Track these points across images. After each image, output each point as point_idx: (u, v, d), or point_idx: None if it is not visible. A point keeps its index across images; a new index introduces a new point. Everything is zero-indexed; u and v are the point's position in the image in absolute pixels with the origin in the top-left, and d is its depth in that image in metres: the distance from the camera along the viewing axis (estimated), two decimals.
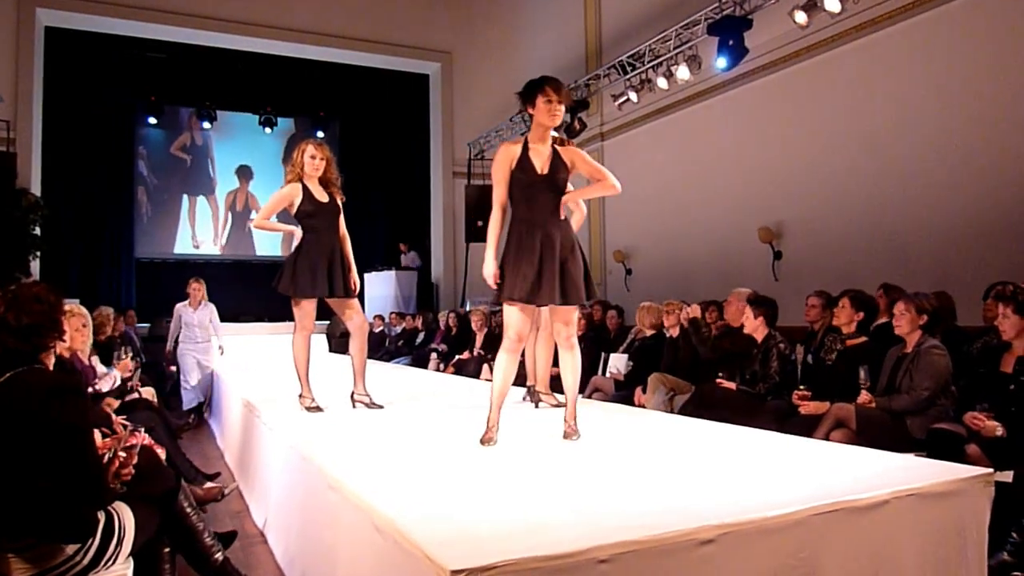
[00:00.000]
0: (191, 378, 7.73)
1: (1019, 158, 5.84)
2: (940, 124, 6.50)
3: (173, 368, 9.22)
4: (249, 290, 13.93)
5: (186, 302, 7.85)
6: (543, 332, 4.34)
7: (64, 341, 2.30)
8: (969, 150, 6.26)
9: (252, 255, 15.56)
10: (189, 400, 7.76)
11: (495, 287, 3.27)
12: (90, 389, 4.54)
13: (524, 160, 3.31)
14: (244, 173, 15.50)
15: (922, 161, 6.61)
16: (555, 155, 3.36)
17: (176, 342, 7.96)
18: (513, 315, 3.27)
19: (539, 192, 3.31)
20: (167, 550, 2.64)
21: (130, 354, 5.47)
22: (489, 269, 3.25)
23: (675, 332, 5.80)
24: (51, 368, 2.33)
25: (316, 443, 3.35)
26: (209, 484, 4.26)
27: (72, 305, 5.01)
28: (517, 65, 13.17)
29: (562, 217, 3.39)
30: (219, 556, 2.78)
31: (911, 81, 6.74)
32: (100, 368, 5.27)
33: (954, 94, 6.39)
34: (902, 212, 6.75)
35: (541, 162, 3.32)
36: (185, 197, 15.18)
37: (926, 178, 6.57)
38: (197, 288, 7.82)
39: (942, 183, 6.45)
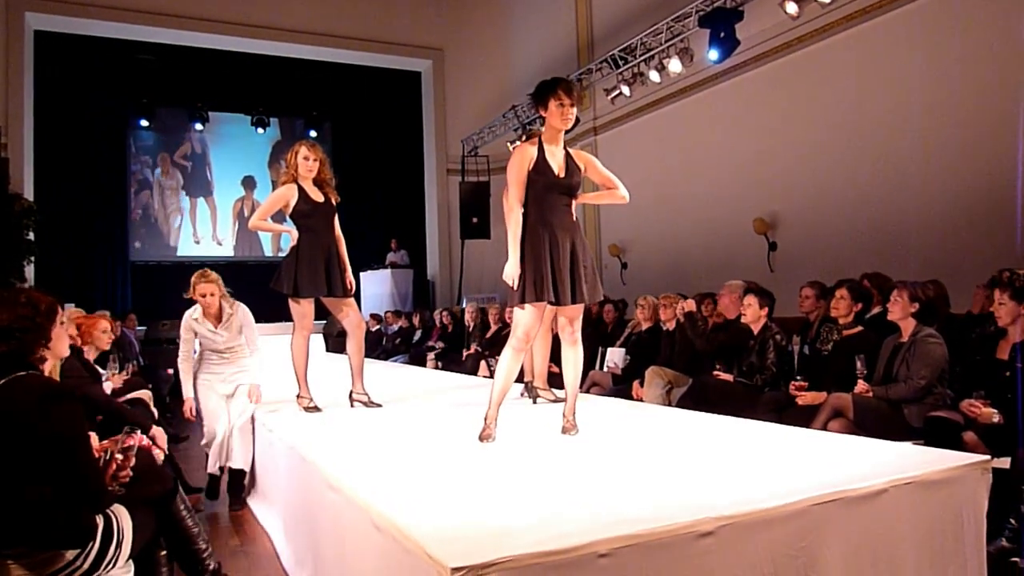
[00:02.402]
0: (216, 425, 4.43)
1: (1012, 146, 5.85)
2: (932, 112, 6.50)
3: (170, 371, 9.17)
4: (245, 291, 13.91)
5: (197, 311, 4.47)
6: (541, 327, 4.35)
7: (49, 348, 2.29)
8: (962, 138, 6.27)
9: (260, 256, 15.64)
10: (214, 463, 4.46)
11: (515, 288, 3.28)
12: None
13: (541, 162, 3.32)
14: (248, 183, 15.91)
15: (915, 150, 6.62)
16: (569, 158, 3.39)
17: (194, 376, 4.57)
18: (525, 315, 3.29)
19: (554, 194, 3.34)
20: (164, 553, 2.63)
21: (116, 366, 5.46)
22: (515, 270, 3.26)
23: (672, 325, 5.81)
24: (47, 374, 2.32)
25: (315, 443, 3.35)
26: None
27: (73, 311, 5.01)
28: (509, 60, 13.16)
29: (574, 219, 3.42)
30: (212, 564, 2.78)
31: (903, 70, 6.75)
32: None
33: (946, 82, 6.40)
34: (896, 201, 6.77)
35: (557, 164, 3.34)
36: (187, 199, 15.51)
37: (919, 167, 6.59)
38: (208, 288, 4.37)
39: (935, 172, 6.46)
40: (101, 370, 5.37)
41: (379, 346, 10.87)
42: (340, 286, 4.35)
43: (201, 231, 15.47)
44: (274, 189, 4.53)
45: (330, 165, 4.52)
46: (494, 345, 7.63)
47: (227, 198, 15.74)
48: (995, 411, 3.37)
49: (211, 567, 2.77)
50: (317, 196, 4.36)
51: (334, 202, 4.45)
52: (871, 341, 4.31)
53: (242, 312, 4.59)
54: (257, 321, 4.68)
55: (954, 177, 6.32)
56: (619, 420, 3.89)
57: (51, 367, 2.40)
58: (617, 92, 9.48)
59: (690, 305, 5.47)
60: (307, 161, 4.32)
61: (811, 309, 5.05)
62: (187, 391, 4.47)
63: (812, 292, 5.05)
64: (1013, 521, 2.98)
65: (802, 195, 7.75)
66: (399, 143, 15.09)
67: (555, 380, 4.38)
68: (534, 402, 4.53)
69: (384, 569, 2.10)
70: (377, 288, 12.99)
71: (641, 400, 5.31)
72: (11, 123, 10.83)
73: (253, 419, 4.48)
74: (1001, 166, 5.90)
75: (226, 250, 15.67)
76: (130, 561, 2.38)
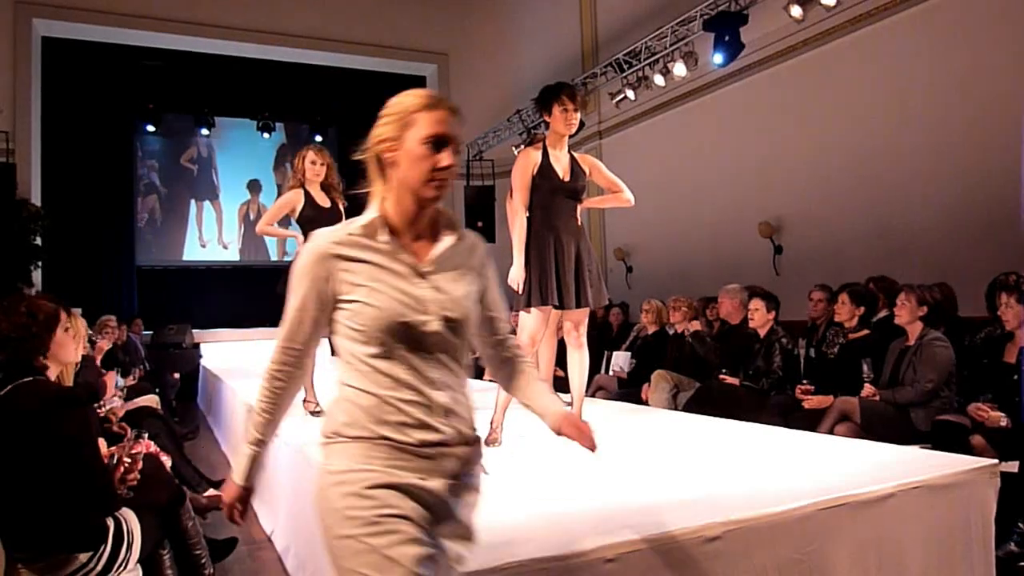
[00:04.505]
0: None
1: (1017, 148, 5.83)
2: (938, 116, 6.49)
3: (176, 375, 9.21)
4: (252, 295, 13.97)
5: (364, 217, 1.55)
6: (546, 332, 4.35)
7: (48, 356, 2.30)
8: (967, 141, 6.25)
9: (267, 261, 15.65)
10: None
11: (520, 292, 3.29)
12: (104, 405, 4.54)
13: (545, 166, 3.34)
14: (254, 187, 15.88)
15: (921, 153, 6.61)
16: (574, 162, 3.40)
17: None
18: (530, 319, 3.31)
19: (559, 198, 3.35)
20: (168, 555, 2.64)
21: (118, 377, 5.46)
22: (520, 274, 3.27)
23: (680, 328, 5.80)
24: (53, 380, 2.34)
25: None
26: (212, 492, 4.28)
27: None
28: (514, 65, 13.17)
29: (579, 223, 3.43)
30: (209, 570, 2.80)
31: (908, 73, 6.73)
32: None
33: (951, 86, 6.39)
34: (902, 204, 6.75)
35: (562, 169, 3.36)
36: (192, 202, 15.51)
37: (925, 169, 6.57)
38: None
39: (941, 174, 6.44)
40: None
41: None
42: None
43: (207, 235, 15.53)
44: (279, 192, 4.54)
45: (337, 170, 4.53)
46: None
47: (233, 202, 15.79)
48: (1002, 414, 3.36)
49: (208, 573, 2.79)
50: (324, 201, 4.37)
51: (341, 207, 4.45)
52: (877, 344, 4.30)
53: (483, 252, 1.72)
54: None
55: (960, 179, 6.30)
56: (625, 424, 3.89)
57: (57, 373, 2.42)
58: (622, 96, 9.48)
59: (695, 325, 5.47)
60: (314, 166, 4.33)
61: (821, 313, 5.04)
62: (242, 473, 1.58)
63: (823, 295, 5.04)
64: (1021, 525, 2.97)
65: (808, 198, 7.73)
66: None
67: (561, 384, 4.38)
68: None
69: None
70: None
71: (647, 403, 5.31)
72: (19, 129, 10.87)
73: None
74: (1007, 168, 5.88)
75: (232, 253, 15.68)
76: (138, 564, 2.39)
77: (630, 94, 9.36)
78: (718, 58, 7.78)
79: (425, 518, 1.40)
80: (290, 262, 4.35)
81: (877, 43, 6.98)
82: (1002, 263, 4.91)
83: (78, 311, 6.05)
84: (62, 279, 12.06)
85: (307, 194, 4.32)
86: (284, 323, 1.56)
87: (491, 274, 1.70)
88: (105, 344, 5.66)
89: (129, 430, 3.87)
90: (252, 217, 15.55)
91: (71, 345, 2.38)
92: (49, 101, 11.88)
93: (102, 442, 2.62)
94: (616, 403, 5.11)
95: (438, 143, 1.47)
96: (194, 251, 15.29)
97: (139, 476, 2.51)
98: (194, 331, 11.94)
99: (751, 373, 4.81)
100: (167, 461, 3.27)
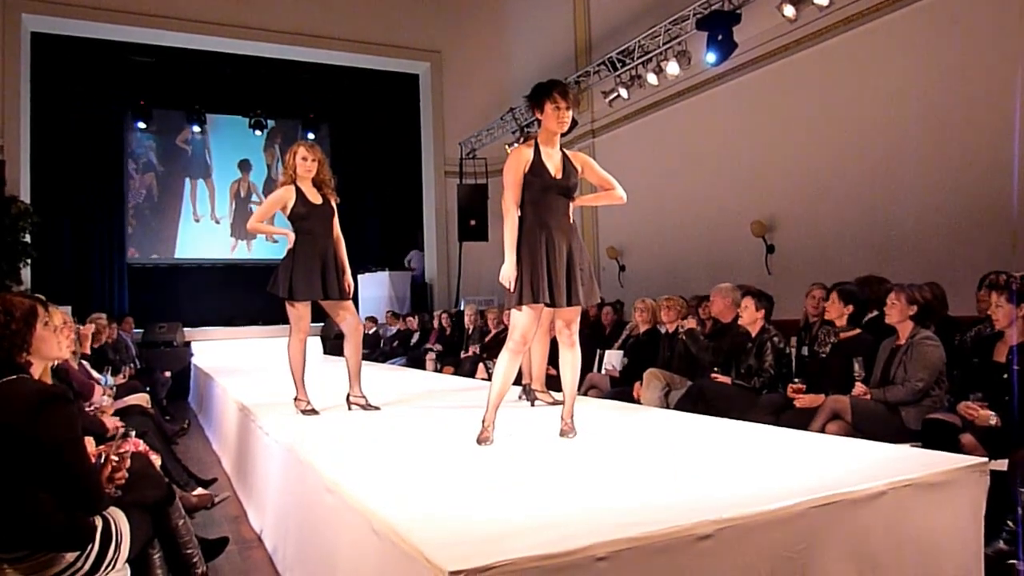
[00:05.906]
0: None
1: (1009, 148, 5.86)
2: (929, 114, 6.51)
3: (167, 374, 9.17)
4: (243, 293, 13.96)
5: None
6: (539, 330, 4.35)
7: (30, 353, 2.28)
8: (959, 140, 6.28)
9: (256, 241, 15.76)
10: None
11: (512, 290, 3.28)
12: (93, 404, 4.50)
13: (537, 164, 3.33)
14: (244, 166, 16.14)
15: (913, 152, 6.63)
16: (566, 159, 3.40)
17: None
18: (522, 317, 3.30)
19: (551, 196, 3.34)
20: (158, 555, 2.63)
21: (108, 375, 5.43)
22: (511, 272, 3.26)
23: (672, 327, 5.80)
24: (38, 379, 2.31)
25: (312, 446, 3.34)
26: (201, 491, 4.26)
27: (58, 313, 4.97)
28: (507, 63, 13.16)
29: (571, 221, 3.42)
30: (200, 568, 2.78)
31: (900, 72, 6.76)
32: (93, 374, 5.26)
33: (943, 85, 6.41)
34: (894, 203, 6.78)
35: (554, 166, 3.35)
36: (187, 180, 15.77)
37: (917, 169, 6.59)
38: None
39: (933, 174, 6.47)
40: (95, 374, 5.35)
41: (377, 348, 10.86)
42: (337, 288, 4.32)
43: (200, 210, 15.66)
44: (269, 171, 4.52)
45: (329, 166, 4.50)
46: (493, 348, 7.63)
47: (225, 179, 15.99)
48: (992, 413, 3.37)
49: (200, 572, 2.77)
50: (315, 198, 4.35)
51: (333, 203, 4.43)
52: (869, 343, 4.31)
53: None
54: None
55: (952, 179, 6.32)
56: (617, 423, 3.89)
57: (42, 369, 2.40)
58: (615, 95, 9.49)
59: (690, 323, 5.48)
60: (305, 162, 4.30)
61: (817, 311, 5.05)
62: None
63: (822, 292, 5.03)
64: (1010, 523, 2.99)
65: (800, 198, 7.76)
66: (397, 145, 15.10)
67: (553, 383, 4.37)
68: (532, 405, 4.53)
69: (381, 573, 2.09)
70: (374, 291, 12.99)
71: (639, 401, 5.30)
72: (8, 125, 10.80)
73: None
74: (999, 167, 5.91)
75: (223, 251, 15.64)
76: (127, 564, 2.37)
77: (623, 93, 9.37)
78: (711, 57, 7.80)
79: None
80: (282, 260, 4.35)
81: (869, 43, 7.00)
82: (993, 262, 4.94)
83: (67, 309, 6.02)
84: (52, 277, 12.00)
85: (298, 190, 4.30)
86: None
87: None
88: (88, 331, 5.61)
89: (121, 425, 3.85)
90: (243, 195, 15.96)
91: (53, 340, 2.35)
92: (38, 97, 11.81)
93: (90, 440, 2.59)
94: (608, 401, 5.11)
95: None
96: (186, 248, 15.28)
97: (127, 475, 2.49)
98: (185, 329, 11.92)
99: (743, 372, 4.82)
100: (156, 460, 3.25)
